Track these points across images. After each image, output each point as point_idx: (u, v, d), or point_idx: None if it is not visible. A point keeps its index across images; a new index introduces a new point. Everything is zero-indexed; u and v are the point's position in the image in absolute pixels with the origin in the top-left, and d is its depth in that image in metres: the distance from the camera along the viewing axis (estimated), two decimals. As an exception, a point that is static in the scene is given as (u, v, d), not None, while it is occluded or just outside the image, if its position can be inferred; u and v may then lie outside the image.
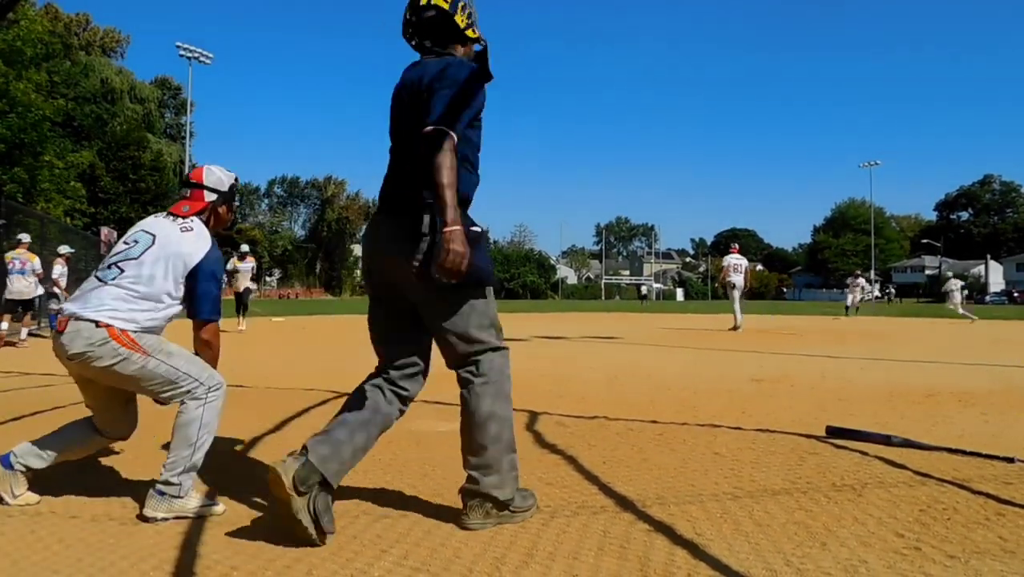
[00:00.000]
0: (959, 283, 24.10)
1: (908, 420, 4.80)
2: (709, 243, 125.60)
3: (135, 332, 2.68)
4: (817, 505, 2.86)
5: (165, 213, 3.00)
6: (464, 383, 2.63)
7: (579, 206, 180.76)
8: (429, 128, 2.43)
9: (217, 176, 3.05)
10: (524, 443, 4.13)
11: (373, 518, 2.71)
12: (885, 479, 3.27)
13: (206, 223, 2.98)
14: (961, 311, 23.57)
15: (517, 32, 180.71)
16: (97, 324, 2.64)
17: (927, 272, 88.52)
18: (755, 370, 8.06)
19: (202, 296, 2.82)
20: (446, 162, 2.39)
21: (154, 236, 2.84)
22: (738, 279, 15.40)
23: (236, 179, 3.13)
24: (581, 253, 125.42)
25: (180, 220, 2.91)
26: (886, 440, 3.97)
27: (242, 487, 3.11)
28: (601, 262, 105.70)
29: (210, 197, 3.00)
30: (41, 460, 2.82)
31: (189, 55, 43.29)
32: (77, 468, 3.18)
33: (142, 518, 2.66)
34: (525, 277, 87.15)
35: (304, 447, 2.44)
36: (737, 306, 15.40)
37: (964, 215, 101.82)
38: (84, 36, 52.16)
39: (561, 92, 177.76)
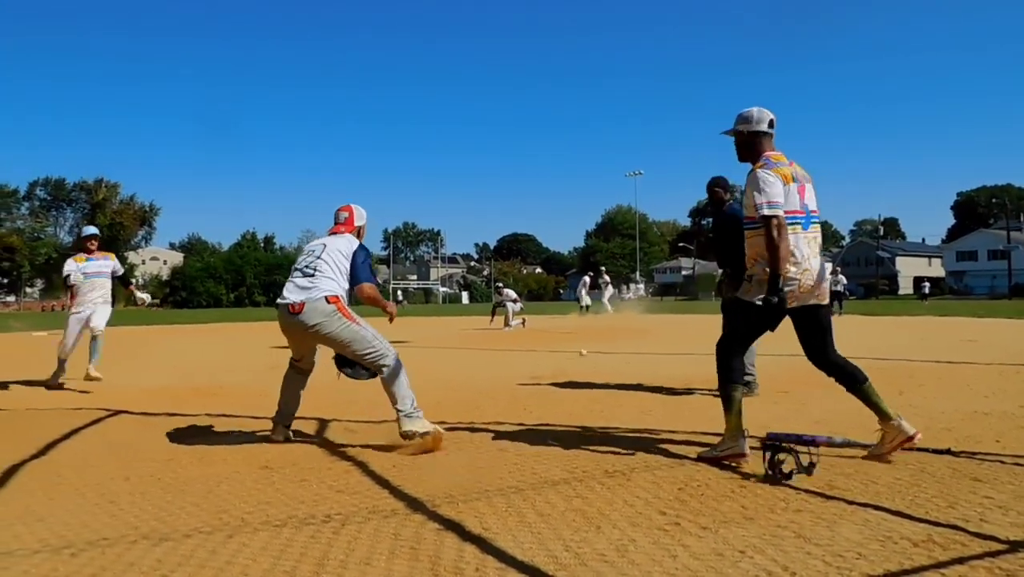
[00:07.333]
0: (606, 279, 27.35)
1: (668, 408, 5.30)
2: (492, 247, 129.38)
3: None
4: (592, 492, 3.10)
5: None
6: None
7: (366, 211, 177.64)
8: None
9: None
10: (312, 451, 4.05)
11: (153, 542, 2.53)
12: (650, 463, 3.61)
13: None
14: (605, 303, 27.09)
15: (270, 28, 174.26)
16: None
17: (683, 272, 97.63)
18: (534, 369, 8.48)
19: None
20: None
21: None
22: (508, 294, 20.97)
23: None
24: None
25: None
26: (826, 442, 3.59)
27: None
28: (389, 267, 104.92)
29: None
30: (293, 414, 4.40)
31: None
32: None
33: None
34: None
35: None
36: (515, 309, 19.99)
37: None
38: None
39: (342, 95, 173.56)
